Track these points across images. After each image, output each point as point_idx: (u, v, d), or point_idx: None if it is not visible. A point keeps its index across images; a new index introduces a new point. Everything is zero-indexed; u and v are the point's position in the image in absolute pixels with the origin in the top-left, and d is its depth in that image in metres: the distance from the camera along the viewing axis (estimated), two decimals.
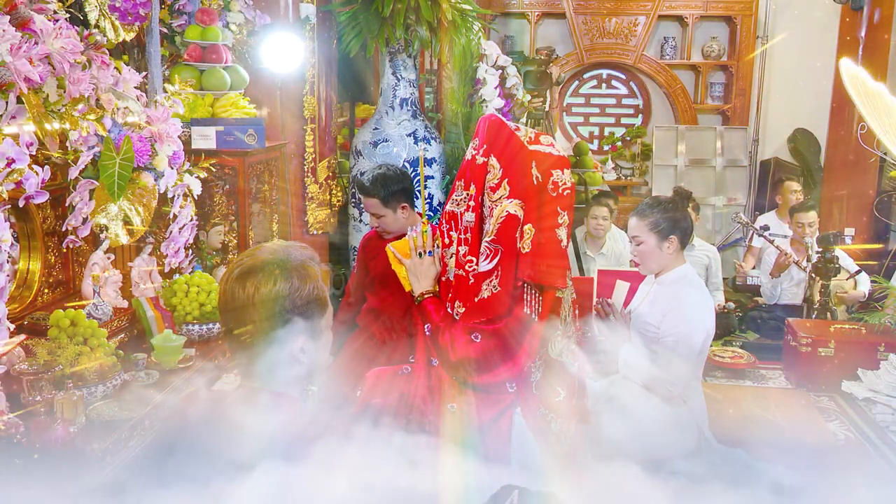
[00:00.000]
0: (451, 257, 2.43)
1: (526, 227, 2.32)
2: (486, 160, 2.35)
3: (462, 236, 2.39)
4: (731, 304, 4.84)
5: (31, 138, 2.37)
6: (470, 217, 2.36)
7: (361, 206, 4.31)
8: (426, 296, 2.43)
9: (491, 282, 2.32)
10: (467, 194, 2.38)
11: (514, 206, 2.31)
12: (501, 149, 2.35)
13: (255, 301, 1.44)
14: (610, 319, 2.91)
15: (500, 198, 2.34)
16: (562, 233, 2.38)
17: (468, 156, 2.42)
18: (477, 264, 2.35)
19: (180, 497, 1.45)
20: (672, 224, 2.80)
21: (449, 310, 2.40)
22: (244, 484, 1.39)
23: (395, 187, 2.99)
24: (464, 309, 2.35)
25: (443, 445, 2.32)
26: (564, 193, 2.38)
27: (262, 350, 1.48)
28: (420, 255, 2.47)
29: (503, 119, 2.43)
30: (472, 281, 2.35)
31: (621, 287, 3.18)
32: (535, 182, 2.34)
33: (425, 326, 2.42)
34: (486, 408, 2.39)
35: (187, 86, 3.55)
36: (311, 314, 1.50)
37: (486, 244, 2.32)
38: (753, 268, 5.37)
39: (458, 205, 2.40)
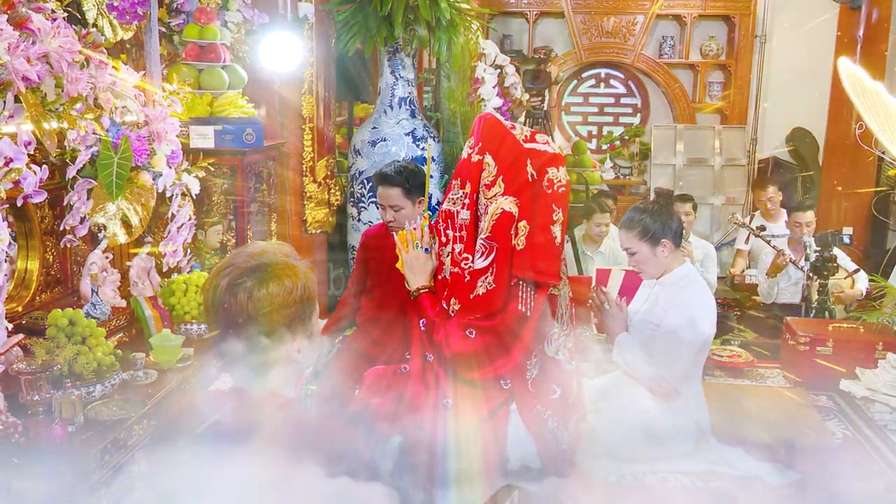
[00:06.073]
0: (447, 255, 2.43)
1: (520, 224, 2.33)
2: (481, 158, 2.36)
3: (458, 234, 2.39)
4: None
5: (29, 137, 2.37)
6: (465, 215, 2.37)
7: (360, 204, 4.31)
8: (422, 291, 2.44)
9: (486, 279, 2.33)
10: (463, 192, 2.39)
11: (508, 204, 2.32)
12: (497, 147, 2.36)
13: (250, 309, 1.43)
14: (605, 308, 2.90)
15: (495, 195, 2.34)
16: (556, 230, 2.38)
17: (464, 154, 2.43)
18: (472, 261, 2.36)
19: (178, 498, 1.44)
20: (661, 228, 2.79)
21: (444, 306, 2.41)
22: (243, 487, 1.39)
23: (417, 180, 3.00)
24: (459, 306, 2.36)
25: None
26: (559, 191, 2.39)
27: (260, 354, 1.47)
28: (416, 246, 2.48)
29: (499, 117, 2.44)
30: (467, 278, 2.35)
31: (616, 275, 3.16)
32: (530, 179, 2.35)
33: (420, 321, 2.43)
34: (481, 403, 2.39)
35: (185, 85, 3.55)
36: (304, 313, 1.50)
37: (482, 241, 2.33)
38: (748, 267, 5.36)
39: (453, 203, 2.41)
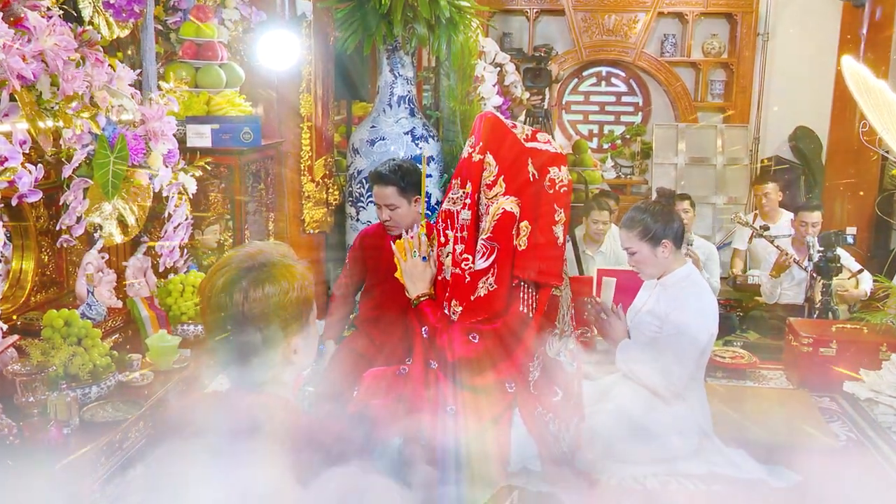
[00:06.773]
0: (447, 256, 2.41)
1: (522, 224, 2.31)
2: (482, 157, 2.34)
3: (458, 234, 2.37)
4: None
5: (24, 136, 2.35)
6: (466, 215, 2.35)
7: (359, 204, 4.29)
8: (422, 298, 2.41)
9: (487, 279, 2.30)
10: (463, 192, 2.36)
11: (510, 204, 2.29)
12: (498, 146, 2.33)
13: (246, 309, 1.41)
14: (602, 318, 2.88)
15: (496, 195, 2.32)
16: (558, 230, 2.36)
17: (465, 154, 2.40)
18: (473, 262, 2.33)
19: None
20: (662, 228, 2.76)
21: (445, 309, 2.38)
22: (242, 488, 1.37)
23: (412, 178, 2.98)
24: (461, 308, 2.34)
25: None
26: (561, 191, 2.36)
27: (257, 355, 1.45)
28: (415, 254, 2.46)
29: (500, 117, 2.41)
30: (468, 279, 2.33)
31: (607, 284, 3.14)
32: (532, 179, 2.33)
33: (422, 329, 2.40)
34: (485, 409, 2.37)
35: (182, 83, 3.53)
36: (301, 313, 1.48)
37: (483, 242, 2.31)
38: (749, 268, 5.33)
39: (454, 203, 2.38)
